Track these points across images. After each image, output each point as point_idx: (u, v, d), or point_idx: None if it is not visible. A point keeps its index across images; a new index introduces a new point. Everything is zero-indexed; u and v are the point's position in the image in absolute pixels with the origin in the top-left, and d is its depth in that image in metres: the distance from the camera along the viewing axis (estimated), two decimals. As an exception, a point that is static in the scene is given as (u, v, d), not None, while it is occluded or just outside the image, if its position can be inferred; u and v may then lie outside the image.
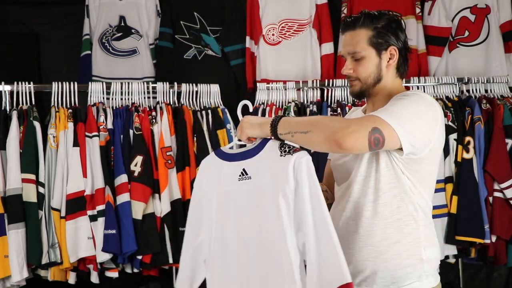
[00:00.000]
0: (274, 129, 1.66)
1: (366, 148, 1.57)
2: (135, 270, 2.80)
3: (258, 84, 3.25)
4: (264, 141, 1.75)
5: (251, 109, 1.87)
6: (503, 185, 2.90)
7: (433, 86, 3.18)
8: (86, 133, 2.76)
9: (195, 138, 2.90)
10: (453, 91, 3.17)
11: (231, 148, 1.85)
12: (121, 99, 2.96)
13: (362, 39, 1.75)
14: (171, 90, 3.01)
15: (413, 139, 1.61)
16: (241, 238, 1.74)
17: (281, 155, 1.67)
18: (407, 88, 3.09)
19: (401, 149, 1.62)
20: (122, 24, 3.64)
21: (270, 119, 1.68)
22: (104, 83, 2.98)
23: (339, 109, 3.03)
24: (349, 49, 1.78)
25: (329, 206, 1.79)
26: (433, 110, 1.68)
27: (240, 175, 1.77)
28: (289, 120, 1.66)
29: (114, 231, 2.65)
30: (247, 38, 3.57)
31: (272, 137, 1.67)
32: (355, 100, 3.07)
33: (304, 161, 1.60)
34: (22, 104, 2.84)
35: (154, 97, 3.02)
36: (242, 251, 1.74)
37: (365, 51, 1.75)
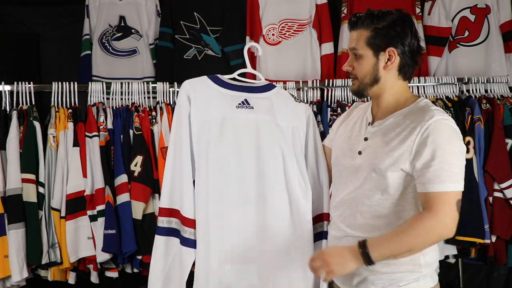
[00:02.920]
0: (367, 259, 1.62)
1: None
2: (135, 270, 2.79)
3: (258, 84, 3.25)
4: (271, 85, 1.97)
5: (260, 52, 2.03)
6: (503, 185, 2.90)
7: (433, 86, 3.18)
8: (86, 133, 2.76)
9: (195, 138, 2.90)
10: (453, 91, 3.17)
11: (231, 79, 1.98)
12: (121, 99, 2.96)
13: (361, 38, 1.77)
14: (171, 90, 3.01)
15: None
16: (241, 162, 1.88)
17: (296, 100, 2.01)
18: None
19: None
20: (122, 24, 3.64)
21: (351, 249, 1.64)
22: (104, 83, 2.98)
23: (339, 109, 3.03)
24: (350, 45, 1.81)
25: None
26: (460, 137, 1.71)
27: (240, 103, 1.90)
28: (379, 244, 1.63)
29: (114, 231, 2.65)
30: (247, 38, 3.57)
31: (367, 265, 1.64)
32: (355, 101, 3.07)
33: (312, 113, 2.02)
34: (22, 104, 2.84)
35: (154, 97, 3.02)
36: (242, 172, 1.87)
37: (363, 50, 1.76)
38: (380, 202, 1.71)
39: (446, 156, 1.62)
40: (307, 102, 3.15)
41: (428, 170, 1.62)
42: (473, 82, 3.16)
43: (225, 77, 1.97)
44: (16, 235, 2.63)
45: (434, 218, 1.60)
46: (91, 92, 2.92)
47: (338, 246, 1.73)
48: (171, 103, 2.99)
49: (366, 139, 1.79)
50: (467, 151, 2.90)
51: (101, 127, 2.77)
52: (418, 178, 1.65)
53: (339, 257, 1.64)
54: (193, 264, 1.90)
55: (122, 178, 2.72)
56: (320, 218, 1.98)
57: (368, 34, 1.75)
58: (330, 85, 3.13)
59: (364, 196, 1.74)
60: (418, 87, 3.16)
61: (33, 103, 2.85)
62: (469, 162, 2.89)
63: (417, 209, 1.71)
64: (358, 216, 1.75)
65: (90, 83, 2.98)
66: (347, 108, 3.00)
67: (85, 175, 2.71)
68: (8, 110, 2.83)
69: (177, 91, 3.02)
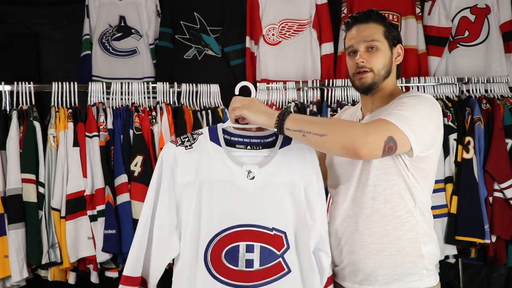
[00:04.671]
0: (280, 122, 1.62)
1: (379, 156, 1.61)
2: (135, 270, 2.79)
3: (258, 84, 3.25)
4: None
5: (253, 94, 1.77)
6: (503, 185, 2.90)
7: (433, 86, 3.18)
8: (86, 133, 2.76)
9: (195, 138, 2.90)
10: (453, 91, 3.17)
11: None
12: (121, 99, 2.96)
13: (377, 31, 1.78)
14: (171, 90, 3.01)
15: (423, 142, 1.65)
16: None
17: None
18: (407, 88, 3.12)
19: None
20: (122, 24, 3.64)
21: (277, 112, 1.64)
22: (104, 83, 2.98)
23: (339, 109, 3.02)
24: (365, 37, 1.77)
25: None
26: (438, 111, 1.71)
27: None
28: (301, 118, 1.64)
29: (114, 231, 2.65)
30: (247, 38, 3.57)
31: (275, 131, 1.65)
32: (355, 101, 3.07)
33: None
34: (22, 104, 2.84)
35: (154, 97, 3.02)
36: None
37: (380, 42, 1.77)
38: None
39: (407, 106, 1.64)
40: (307, 102, 3.15)
41: (383, 113, 1.66)
42: (473, 82, 3.16)
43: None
44: (16, 235, 2.63)
45: (364, 128, 1.60)
46: (91, 92, 2.92)
47: (265, 106, 1.70)
48: (171, 103, 2.99)
49: None
50: (467, 151, 2.91)
51: (101, 127, 2.77)
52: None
53: (257, 106, 1.65)
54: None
55: (122, 178, 2.72)
56: None
57: (383, 28, 1.79)
58: (330, 85, 3.13)
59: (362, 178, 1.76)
60: (418, 87, 3.16)
61: (33, 103, 2.85)
62: (469, 162, 2.89)
63: (403, 180, 1.71)
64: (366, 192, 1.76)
65: (90, 83, 2.98)
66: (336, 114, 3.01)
67: (85, 175, 2.72)
68: (8, 110, 2.84)
69: (177, 91, 3.03)
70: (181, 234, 1.65)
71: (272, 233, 1.65)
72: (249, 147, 1.71)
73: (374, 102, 1.83)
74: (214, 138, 1.70)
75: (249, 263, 1.63)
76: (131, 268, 1.69)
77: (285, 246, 1.66)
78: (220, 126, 1.73)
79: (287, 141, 1.71)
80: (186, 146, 1.67)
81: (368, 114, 1.83)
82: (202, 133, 1.71)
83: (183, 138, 1.70)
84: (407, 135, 1.60)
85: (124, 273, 1.70)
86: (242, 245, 1.63)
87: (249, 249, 1.63)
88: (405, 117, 1.61)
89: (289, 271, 1.66)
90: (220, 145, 1.69)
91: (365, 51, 1.77)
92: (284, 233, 1.65)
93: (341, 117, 2.01)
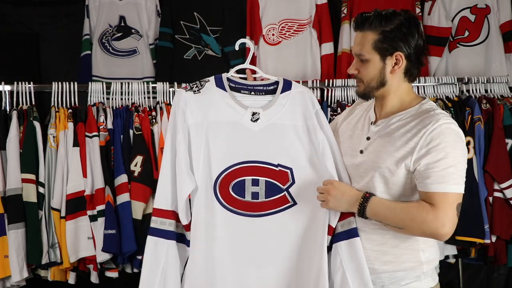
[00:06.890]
0: (362, 210, 1.69)
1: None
2: (135, 270, 2.79)
3: (258, 84, 3.25)
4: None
5: (252, 50, 1.93)
6: (503, 185, 2.90)
7: (433, 86, 3.18)
8: (86, 133, 2.76)
9: (195, 138, 2.90)
10: (453, 91, 3.17)
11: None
12: (121, 99, 2.96)
13: (368, 42, 1.73)
14: (171, 90, 3.01)
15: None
16: None
17: None
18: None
19: None
20: (122, 24, 3.64)
21: (357, 197, 1.70)
22: (104, 83, 2.98)
23: (339, 109, 3.03)
24: (356, 49, 1.79)
25: None
26: (463, 141, 1.70)
27: None
28: (379, 209, 1.68)
29: (114, 231, 2.65)
30: (247, 38, 3.57)
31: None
32: (355, 101, 3.07)
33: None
34: (22, 104, 2.84)
35: (154, 97, 3.02)
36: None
37: (369, 55, 1.73)
38: None
39: (450, 159, 1.62)
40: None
41: (432, 171, 1.62)
42: (473, 82, 3.16)
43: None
44: (16, 235, 2.63)
45: (434, 213, 1.60)
46: (91, 92, 2.92)
47: (349, 186, 1.76)
48: (171, 103, 2.99)
49: (368, 138, 1.79)
50: (467, 151, 2.90)
51: (101, 127, 2.77)
52: (421, 178, 1.65)
53: (340, 194, 1.71)
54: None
55: (122, 178, 2.72)
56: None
57: (376, 37, 1.72)
58: (330, 85, 3.13)
59: None
60: (418, 87, 3.16)
61: (33, 103, 2.85)
62: (469, 162, 2.88)
63: (405, 193, 1.71)
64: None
65: (90, 83, 2.98)
66: (347, 108, 3.00)
67: (85, 175, 2.72)
68: (8, 110, 2.84)
69: (177, 91, 3.03)
70: (194, 171, 1.77)
71: (277, 169, 1.79)
72: (253, 92, 1.86)
73: (384, 107, 1.81)
74: (219, 84, 1.85)
75: (255, 195, 1.78)
76: (157, 201, 1.82)
77: (290, 181, 1.79)
78: (224, 75, 1.87)
79: (287, 86, 1.87)
80: (195, 91, 1.83)
81: (380, 121, 1.80)
82: (208, 81, 1.86)
83: (192, 85, 1.85)
84: (463, 189, 1.66)
85: (154, 206, 1.84)
86: (248, 179, 1.78)
87: (255, 183, 1.78)
88: (456, 175, 1.63)
89: (294, 203, 1.79)
90: (225, 90, 1.84)
91: (358, 60, 1.79)
92: (290, 169, 1.79)
93: (353, 113, 1.98)
